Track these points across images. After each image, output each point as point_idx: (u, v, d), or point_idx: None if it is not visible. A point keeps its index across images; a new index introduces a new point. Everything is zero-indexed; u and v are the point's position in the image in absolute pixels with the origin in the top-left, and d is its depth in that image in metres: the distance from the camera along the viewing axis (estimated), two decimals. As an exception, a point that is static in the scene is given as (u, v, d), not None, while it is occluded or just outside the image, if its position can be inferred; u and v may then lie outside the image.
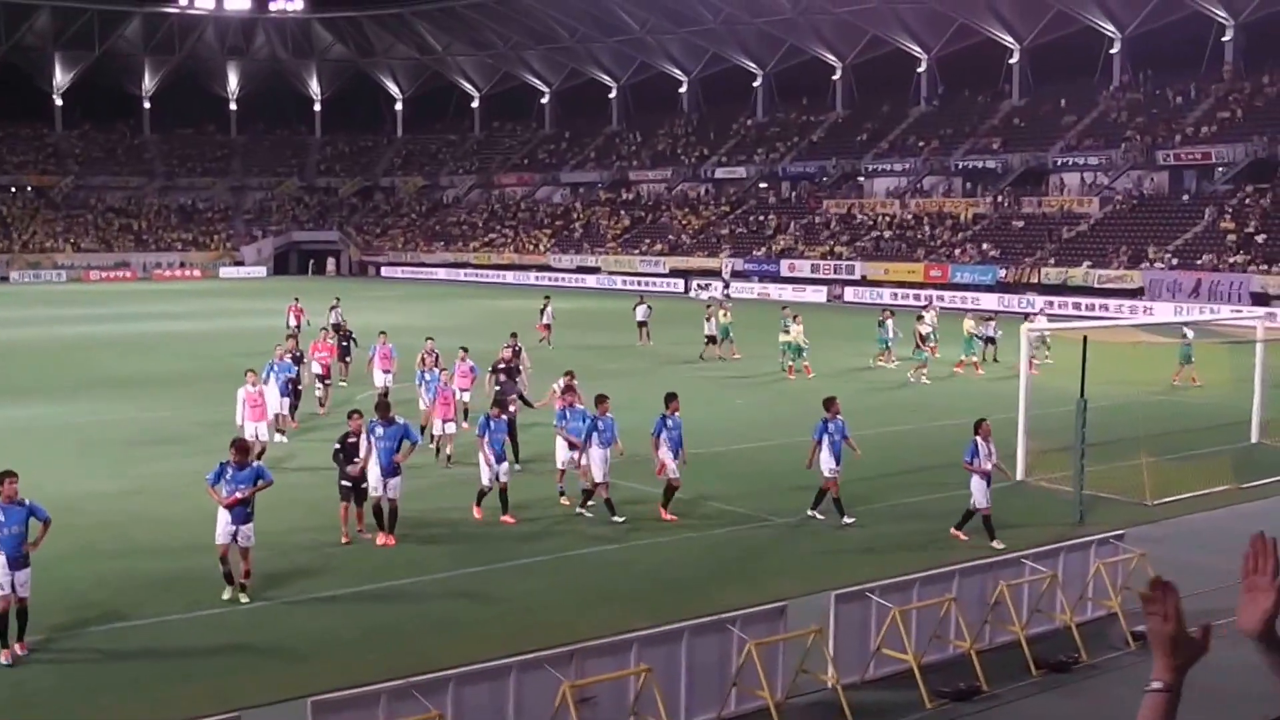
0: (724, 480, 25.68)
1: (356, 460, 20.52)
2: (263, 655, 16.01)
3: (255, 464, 18.39)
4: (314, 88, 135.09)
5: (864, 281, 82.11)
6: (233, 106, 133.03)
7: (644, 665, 13.09)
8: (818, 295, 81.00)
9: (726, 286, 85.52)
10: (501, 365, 29.67)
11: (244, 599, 17.36)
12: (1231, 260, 68.22)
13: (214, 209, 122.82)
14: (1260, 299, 62.66)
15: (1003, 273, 76.23)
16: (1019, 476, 25.01)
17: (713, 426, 31.35)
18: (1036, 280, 74.18)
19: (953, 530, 20.96)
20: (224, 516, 17.54)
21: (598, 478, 22.41)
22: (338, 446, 20.88)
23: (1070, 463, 22.77)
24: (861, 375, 43.18)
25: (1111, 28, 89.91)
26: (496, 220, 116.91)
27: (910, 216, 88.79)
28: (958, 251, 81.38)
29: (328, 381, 34.78)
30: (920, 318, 43.89)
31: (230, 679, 14.96)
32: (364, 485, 20.65)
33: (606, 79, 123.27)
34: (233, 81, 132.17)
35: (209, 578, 18.11)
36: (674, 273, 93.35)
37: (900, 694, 14.59)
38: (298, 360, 32.07)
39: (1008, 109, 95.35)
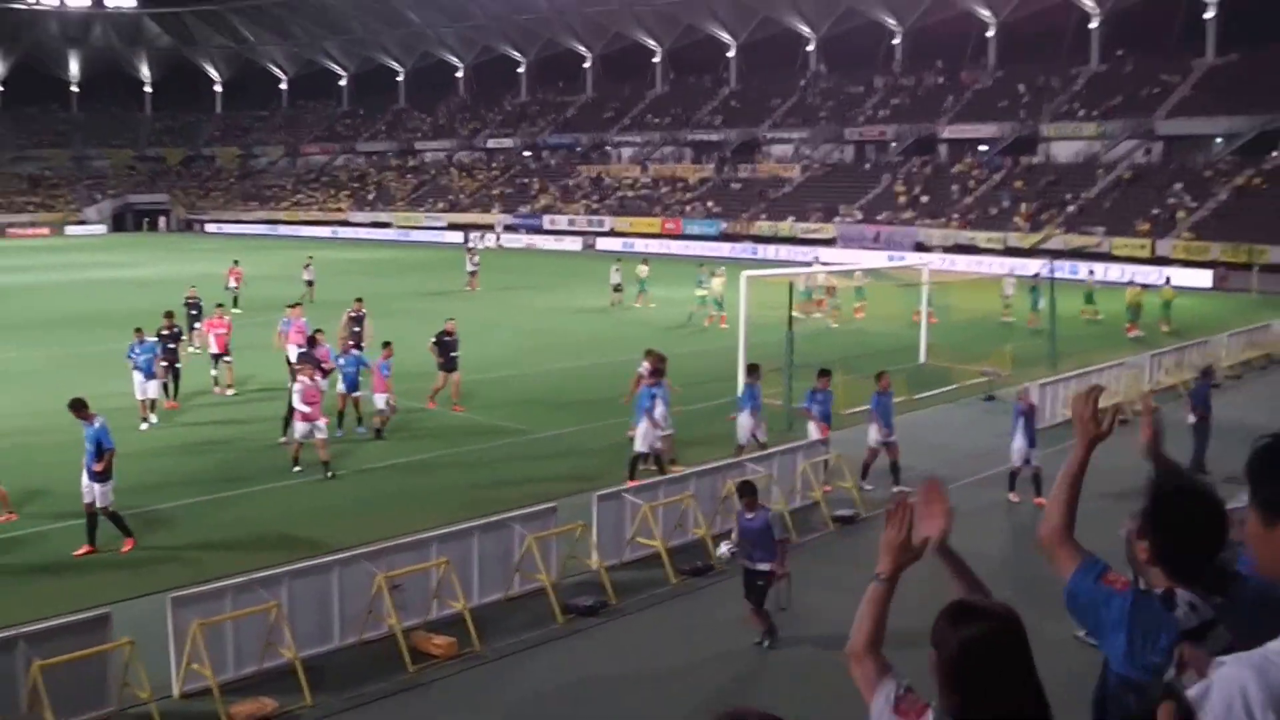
0: (506, 404, 25.79)
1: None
2: (124, 557, 15.49)
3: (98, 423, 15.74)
4: (144, 72, 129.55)
5: (612, 233, 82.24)
6: (74, 89, 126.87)
7: (443, 558, 13.18)
8: (574, 245, 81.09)
9: (498, 238, 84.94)
10: (447, 337, 24.97)
11: None
12: (903, 216, 70.62)
13: (59, 176, 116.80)
14: (924, 247, 65.11)
15: (724, 226, 77.46)
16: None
17: (490, 355, 31.28)
18: (752, 232, 75.55)
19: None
20: None
21: (642, 447, 19.03)
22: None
23: (781, 381, 23.35)
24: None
25: (808, 30, 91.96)
26: (303, 184, 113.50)
27: (649, 180, 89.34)
28: (688, 209, 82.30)
29: (227, 360, 27.24)
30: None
31: (94, 578, 14.60)
32: None
33: (395, 65, 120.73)
34: (74, 67, 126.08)
35: (58, 489, 17.56)
36: (452, 226, 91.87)
37: (651, 573, 14.96)
38: (174, 337, 25.93)
39: (726, 93, 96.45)
